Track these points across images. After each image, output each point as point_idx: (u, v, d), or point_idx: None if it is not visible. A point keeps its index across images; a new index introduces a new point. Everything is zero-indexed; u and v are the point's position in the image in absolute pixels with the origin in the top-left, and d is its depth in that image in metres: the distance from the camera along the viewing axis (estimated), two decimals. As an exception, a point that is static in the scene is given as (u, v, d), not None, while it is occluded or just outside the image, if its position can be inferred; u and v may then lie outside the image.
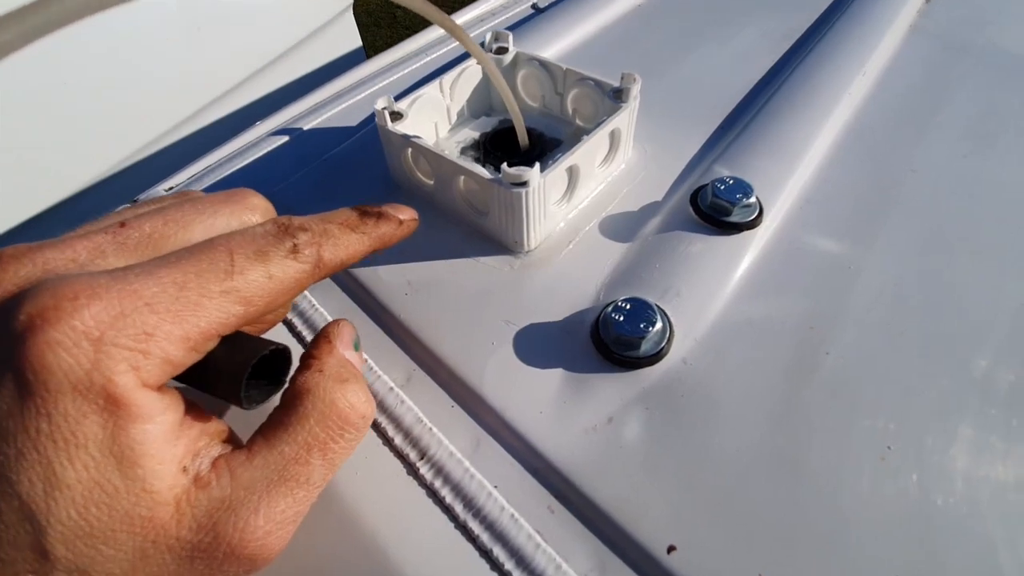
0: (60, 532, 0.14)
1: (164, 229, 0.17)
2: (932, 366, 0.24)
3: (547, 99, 0.36)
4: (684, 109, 0.38)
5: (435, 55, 0.47)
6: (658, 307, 0.25)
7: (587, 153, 0.29)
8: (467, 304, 0.28)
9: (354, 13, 1.05)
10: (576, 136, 0.36)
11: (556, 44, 0.45)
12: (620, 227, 0.31)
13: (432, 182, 0.31)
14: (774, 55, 0.44)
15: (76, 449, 0.13)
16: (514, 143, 0.33)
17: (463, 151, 0.34)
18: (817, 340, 0.25)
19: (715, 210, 0.29)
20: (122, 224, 0.17)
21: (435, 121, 0.35)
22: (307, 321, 0.28)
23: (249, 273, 0.16)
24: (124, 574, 0.15)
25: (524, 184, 0.26)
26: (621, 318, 0.24)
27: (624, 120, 0.31)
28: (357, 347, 0.21)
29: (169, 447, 0.15)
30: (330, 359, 0.19)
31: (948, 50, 0.43)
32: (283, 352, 0.19)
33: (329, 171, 0.36)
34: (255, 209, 0.20)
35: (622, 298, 0.25)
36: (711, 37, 0.46)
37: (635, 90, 0.31)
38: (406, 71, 0.46)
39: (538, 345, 0.26)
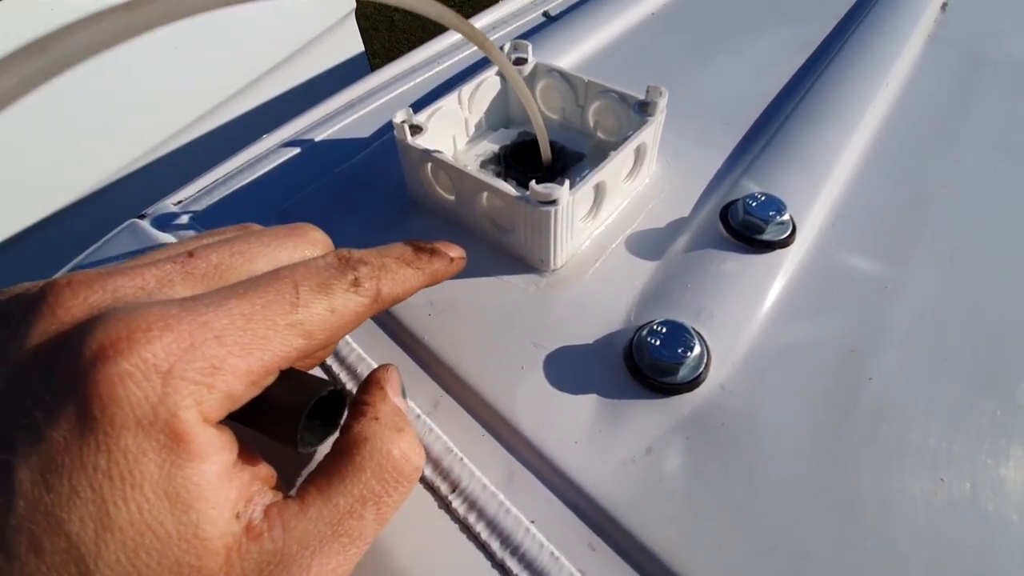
0: None
1: (231, 260, 0.17)
2: (979, 390, 0.24)
3: (567, 111, 0.35)
4: (705, 121, 0.38)
5: (444, 65, 0.47)
6: (696, 332, 0.24)
7: (614, 169, 0.28)
8: (493, 325, 0.27)
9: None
10: (598, 150, 0.35)
11: (571, 54, 0.44)
12: (647, 244, 0.30)
13: (453, 198, 0.30)
14: (793, 65, 0.43)
15: (132, 489, 0.13)
16: (535, 157, 0.32)
17: (483, 165, 0.33)
18: (858, 364, 0.24)
19: (747, 227, 0.28)
20: (190, 254, 0.17)
21: (453, 134, 0.34)
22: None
23: (313, 306, 0.16)
24: None
25: (553, 203, 0.25)
26: (657, 342, 0.23)
27: (650, 135, 0.30)
28: (404, 394, 0.20)
29: (223, 490, 0.14)
30: (384, 406, 0.18)
31: (967, 60, 0.43)
32: (340, 394, 0.18)
33: (343, 184, 0.35)
34: (315, 243, 0.19)
35: (657, 320, 0.24)
36: (727, 47, 0.45)
37: (662, 104, 0.30)
38: (415, 82, 0.45)
39: (569, 369, 0.25)
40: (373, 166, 0.36)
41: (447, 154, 0.33)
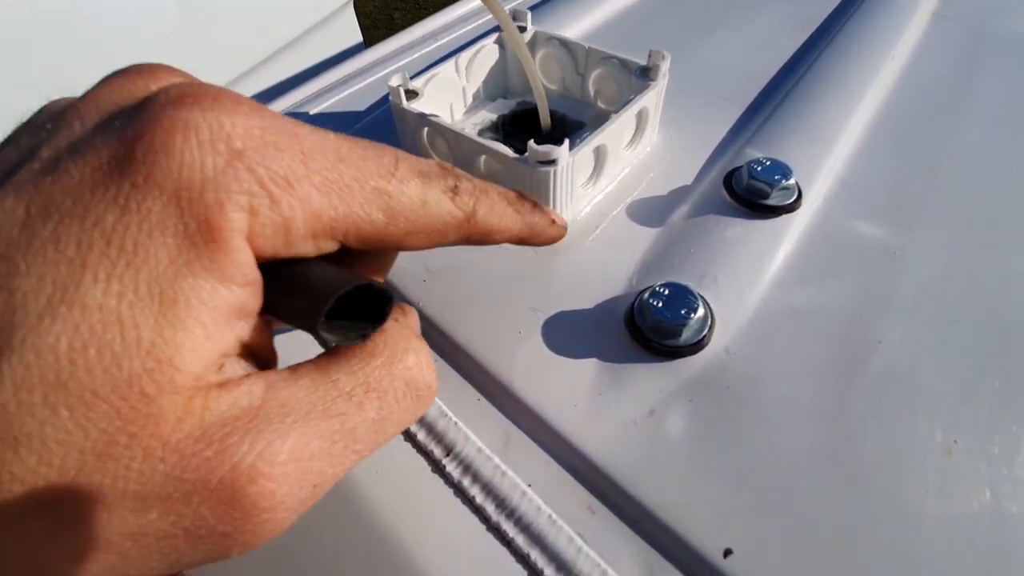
0: (26, 363, 0.10)
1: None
2: (991, 354, 0.23)
3: (567, 81, 0.35)
4: (709, 92, 0.37)
5: (441, 42, 0.46)
6: (699, 295, 0.23)
7: (614, 133, 0.28)
8: (490, 291, 0.26)
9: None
10: (599, 119, 0.34)
11: (573, 26, 0.44)
12: (649, 212, 0.29)
13: (452, 161, 0.29)
14: (795, 41, 0.42)
15: (126, 267, 0.10)
16: (534, 125, 0.31)
17: (481, 133, 0.32)
18: (866, 328, 0.24)
19: (752, 192, 0.27)
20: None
21: (450, 102, 0.33)
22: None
23: (407, 185, 0.14)
24: (51, 467, 0.10)
25: (552, 162, 0.24)
26: (660, 304, 0.23)
27: (652, 99, 0.29)
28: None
29: (225, 327, 0.12)
30: (402, 317, 0.16)
31: (972, 35, 0.42)
32: (386, 295, 0.14)
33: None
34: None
35: (660, 283, 0.23)
36: (731, 21, 0.45)
37: (664, 67, 0.29)
38: (413, 56, 0.44)
39: (569, 334, 0.24)
40: (369, 137, 0.35)
41: (446, 123, 0.32)
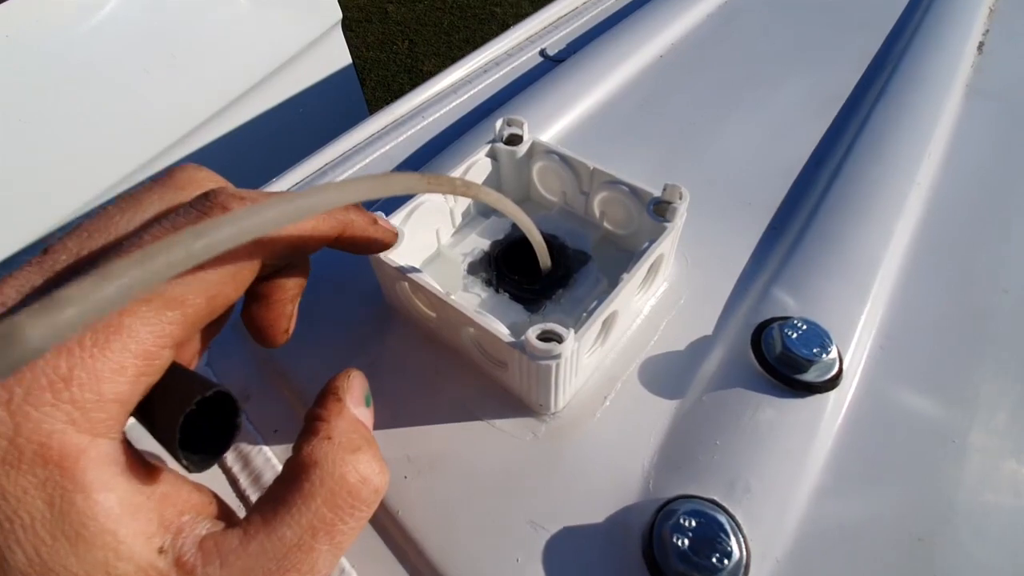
0: None
1: (89, 242, 0.14)
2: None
3: (569, 196, 0.31)
4: (725, 201, 0.33)
5: (428, 121, 0.42)
6: (730, 522, 0.19)
7: (627, 295, 0.24)
8: (483, 493, 0.22)
9: (343, 9, 0.99)
10: (607, 243, 0.30)
11: (572, 107, 0.40)
12: (666, 375, 0.25)
13: (435, 315, 0.25)
14: (820, 124, 0.38)
15: (23, 531, 0.11)
16: (532, 259, 0.27)
17: (471, 269, 0.28)
18: (926, 555, 0.20)
19: (786, 364, 0.24)
20: (44, 251, 0.14)
21: (437, 227, 0.29)
22: (256, 478, 0.22)
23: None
24: None
25: (556, 357, 0.21)
26: (684, 543, 0.19)
27: (669, 244, 0.26)
28: (368, 402, 0.18)
29: (133, 523, 0.12)
30: (340, 422, 0.16)
31: (1013, 115, 0.38)
32: (226, 398, 0.14)
33: (310, 286, 0.30)
34: (185, 188, 0.16)
35: (684, 510, 0.20)
36: (745, 101, 0.40)
37: (682, 208, 0.25)
38: (402, 137, 0.40)
39: (576, 562, 0.20)
40: (347, 267, 0.31)
41: (429, 250, 0.29)
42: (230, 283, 0.15)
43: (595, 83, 0.42)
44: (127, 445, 0.13)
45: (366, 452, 0.16)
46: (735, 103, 0.40)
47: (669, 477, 0.22)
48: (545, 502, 0.22)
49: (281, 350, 0.26)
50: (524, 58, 0.48)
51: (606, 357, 0.26)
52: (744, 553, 0.19)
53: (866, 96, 0.40)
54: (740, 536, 0.20)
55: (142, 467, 0.13)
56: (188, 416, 0.13)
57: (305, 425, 0.16)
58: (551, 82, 0.42)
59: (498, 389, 0.25)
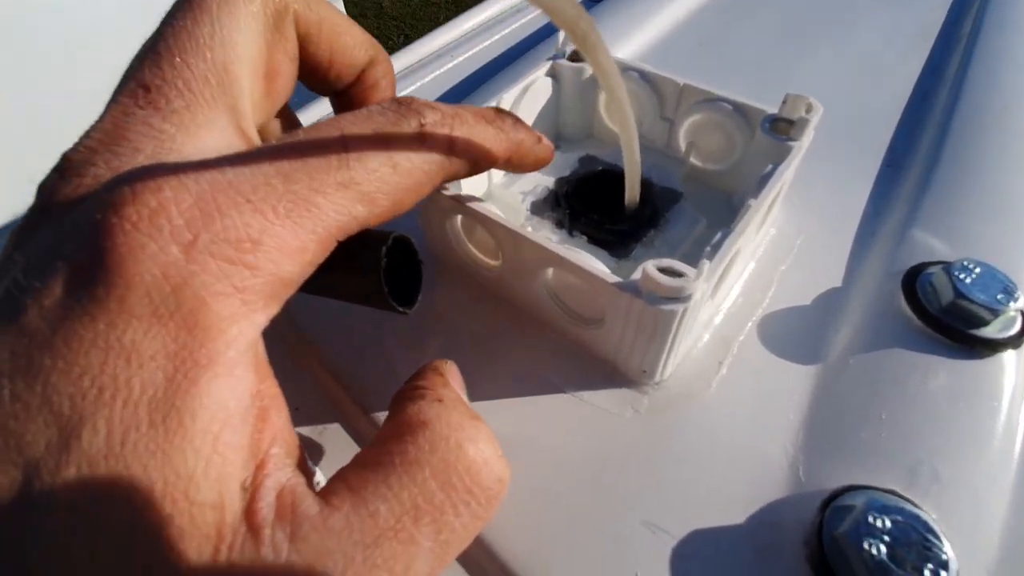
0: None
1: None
2: None
3: (647, 124, 0.25)
4: (828, 138, 0.27)
5: (459, 60, 0.36)
6: (935, 534, 0.14)
7: (753, 229, 0.18)
8: (577, 487, 0.17)
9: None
10: (694, 181, 0.25)
11: (620, 46, 0.34)
12: (793, 334, 0.20)
13: (497, 263, 0.20)
14: (919, 55, 0.33)
15: (124, 406, 0.09)
16: (611, 197, 0.22)
17: (534, 209, 0.23)
18: None
19: (959, 317, 0.18)
20: (146, 89, 0.12)
21: (488, 162, 0.24)
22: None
23: (368, 160, 0.12)
24: None
25: (685, 299, 0.15)
26: (880, 550, 0.14)
27: (793, 168, 0.20)
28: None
29: (238, 432, 0.10)
30: (446, 391, 0.13)
31: None
32: (406, 243, 0.15)
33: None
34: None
35: (866, 506, 0.14)
36: (826, 36, 0.35)
37: (813, 122, 0.20)
38: (424, 81, 0.34)
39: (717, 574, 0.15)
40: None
41: (481, 190, 0.23)
42: (414, 193, 0.14)
43: (645, 18, 0.36)
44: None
45: (486, 428, 0.13)
46: (816, 40, 0.35)
47: (825, 461, 0.17)
48: (661, 497, 0.16)
49: (303, 313, 0.21)
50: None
51: (716, 315, 0.20)
52: (946, 560, 0.14)
53: (959, 30, 0.35)
54: (938, 543, 0.14)
55: (265, 364, 0.12)
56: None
57: (399, 397, 0.13)
58: (599, 15, 0.36)
59: (580, 353, 0.19)
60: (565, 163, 0.25)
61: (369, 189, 0.12)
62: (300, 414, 0.19)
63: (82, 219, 0.10)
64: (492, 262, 0.20)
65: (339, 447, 0.18)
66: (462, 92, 0.33)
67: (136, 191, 0.10)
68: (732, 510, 0.16)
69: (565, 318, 0.19)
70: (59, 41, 0.56)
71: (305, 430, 0.19)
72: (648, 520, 0.16)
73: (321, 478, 0.18)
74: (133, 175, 0.11)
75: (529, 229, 0.21)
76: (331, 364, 0.20)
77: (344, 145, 0.12)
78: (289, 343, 0.21)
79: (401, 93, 0.34)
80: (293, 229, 0.11)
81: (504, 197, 0.23)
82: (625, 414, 0.18)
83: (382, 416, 0.15)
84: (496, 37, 0.38)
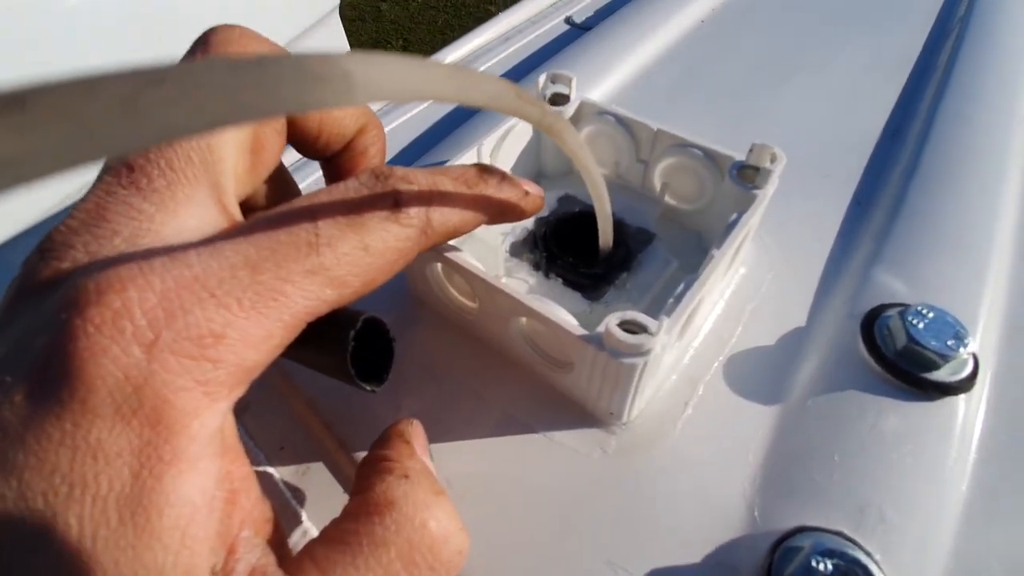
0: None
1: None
2: None
3: (623, 166, 0.26)
4: (799, 174, 0.28)
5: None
6: (872, 562, 0.15)
7: (718, 276, 0.19)
8: (544, 525, 0.18)
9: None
10: (667, 220, 0.26)
11: (604, 78, 0.35)
12: (756, 375, 0.21)
13: (475, 306, 0.21)
14: (894, 85, 0.34)
15: (92, 503, 0.10)
16: (586, 239, 0.23)
17: (513, 250, 0.24)
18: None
19: (912, 361, 0.19)
20: (129, 168, 0.13)
21: (470, 203, 0.25)
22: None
23: (339, 244, 0.13)
24: None
25: (645, 353, 0.16)
26: (822, 594, 0.15)
27: (758, 217, 0.21)
28: (431, 458, 0.15)
29: (205, 522, 0.11)
30: (413, 463, 0.14)
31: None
32: (380, 325, 0.15)
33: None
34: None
35: (812, 548, 0.15)
36: (803, 65, 0.36)
37: (777, 172, 0.21)
38: (414, 112, 0.35)
39: (672, 616, 0.16)
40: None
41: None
42: (386, 272, 0.14)
43: (629, 51, 0.37)
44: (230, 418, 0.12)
45: (447, 502, 0.13)
46: (792, 69, 0.36)
47: (780, 503, 0.17)
48: (624, 536, 0.17)
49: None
50: (548, 26, 0.44)
51: (684, 355, 0.21)
52: (898, 606, 0.15)
53: (936, 60, 0.36)
54: (887, 582, 0.15)
55: (234, 445, 0.12)
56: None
57: (367, 467, 0.14)
58: (580, 50, 0.37)
59: (552, 394, 0.20)
60: (545, 202, 0.26)
61: (339, 273, 0.12)
62: (285, 453, 0.20)
63: (50, 314, 0.11)
64: (471, 304, 0.21)
65: (322, 485, 0.19)
66: (442, 132, 0.34)
67: (101, 290, 0.10)
68: (690, 550, 0.17)
69: (539, 361, 0.20)
70: (60, 41, 0.57)
71: (289, 469, 0.20)
72: (611, 560, 0.17)
73: (308, 524, 0.19)
74: (103, 267, 0.11)
75: (505, 275, 0.23)
76: (315, 404, 0.21)
77: (315, 229, 0.12)
78: (275, 384, 0.22)
79: (397, 122, 0.35)
80: (258, 320, 0.11)
81: (485, 238, 0.24)
82: (593, 455, 0.19)
83: (362, 455, 0.15)
84: (488, 62, 0.39)
